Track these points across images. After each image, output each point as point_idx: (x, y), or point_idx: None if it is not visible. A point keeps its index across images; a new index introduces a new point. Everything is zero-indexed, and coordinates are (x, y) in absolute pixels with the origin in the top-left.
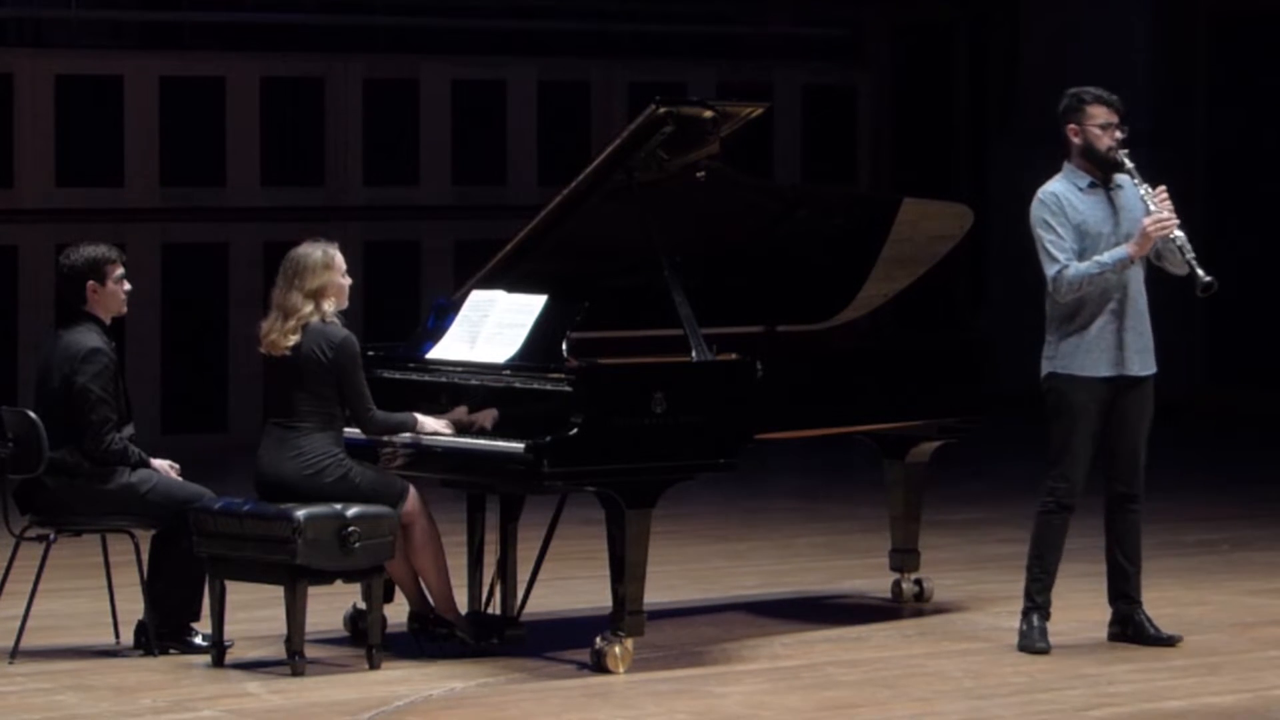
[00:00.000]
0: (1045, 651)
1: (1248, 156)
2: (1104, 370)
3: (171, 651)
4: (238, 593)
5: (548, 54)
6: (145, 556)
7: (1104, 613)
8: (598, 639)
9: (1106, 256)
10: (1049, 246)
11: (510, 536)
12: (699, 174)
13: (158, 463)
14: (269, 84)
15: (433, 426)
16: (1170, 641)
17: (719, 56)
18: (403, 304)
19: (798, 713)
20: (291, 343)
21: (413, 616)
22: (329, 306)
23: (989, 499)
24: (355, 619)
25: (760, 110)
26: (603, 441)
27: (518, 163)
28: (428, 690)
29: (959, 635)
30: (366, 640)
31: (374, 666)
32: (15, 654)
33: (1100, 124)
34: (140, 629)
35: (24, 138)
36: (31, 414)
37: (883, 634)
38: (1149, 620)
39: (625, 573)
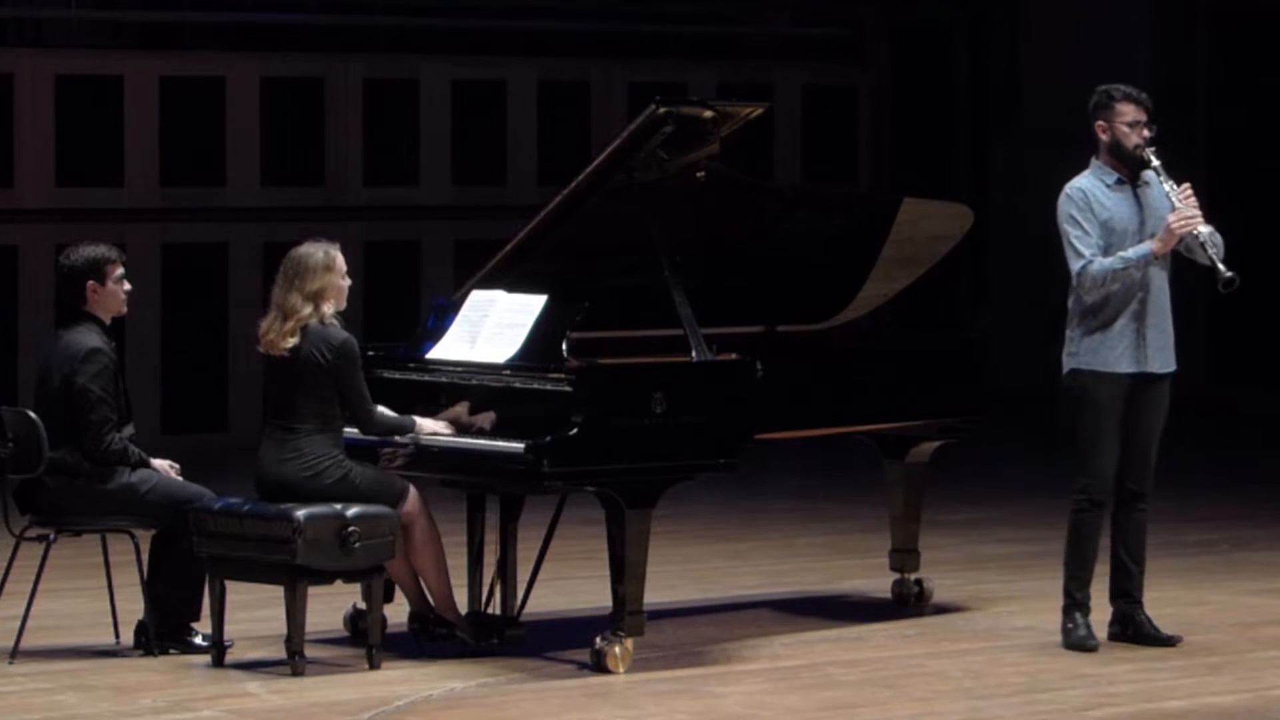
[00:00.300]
0: (1095, 648)
1: (1248, 157)
2: (1126, 366)
3: (171, 651)
4: (238, 593)
5: (548, 54)
6: (145, 556)
7: (1105, 612)
8: (598, 639)
9: (1131, 252)
10: (1075, 242)
11: (510, 536)
12: (699, 174)
13: (158, 463)
14: (269, 84)
15: (432, 428)
16: (1170, 641)
17: (719, 56)
18: (403, 304)
19: (798, 713)
20: (290, 344)
21: (413, 616)
22: (328, 309)
23: (989, 499)
24: (355, 619)
25: (760, 110)
26: (603, 441)
27: (518, 163)
28: (428, 690)
29: (959, 635)
30: (366, 640)
31: (374, 666)
32: (15, 654)
33: (1129, 121)
34: (140, 629)
35: (24, 138)
36: (31, 414)
37: (883, 634)
38: (1149, 620)
39: (625, 573)
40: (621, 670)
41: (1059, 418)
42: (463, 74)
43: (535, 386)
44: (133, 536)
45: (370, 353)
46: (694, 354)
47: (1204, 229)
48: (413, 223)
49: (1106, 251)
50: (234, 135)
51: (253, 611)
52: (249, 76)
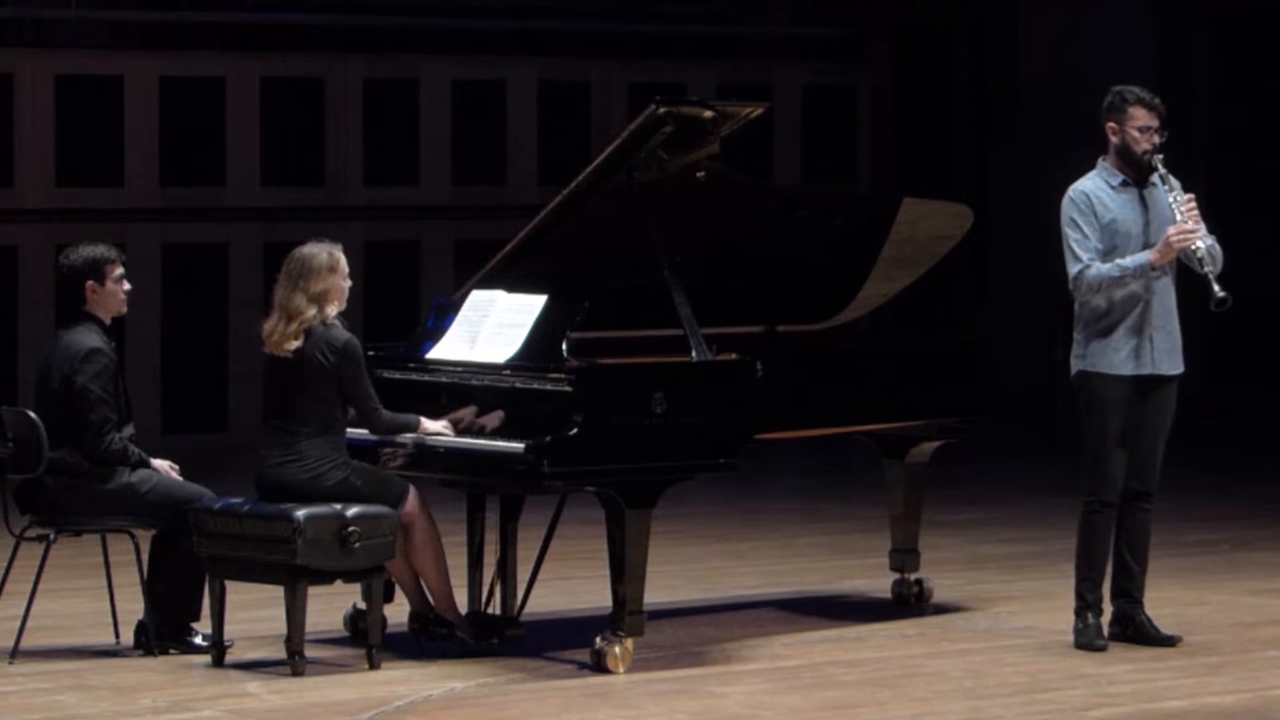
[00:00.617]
0: (1103, 649)
1: (1248, 157)
2: (1132, 369)
3: (171, 651)
4: (238, 593)
5: (548, 54)
6: (145, 556)
7: (1105, 612)
8: (598, 639)
9: (1129, 261)
10: (1074, 245)
11: (510, 536)
12: (699, 174)
13: (158, 463)
14: (269, 84)
15: (435, 428)
16: (1170, 641)
17: (719, 56)
18: (403, 304)
19: (798, 713)
20: (294, 346)
21: (413, 616)
22: (331, 310)
23: (989, 499)
24: (355, 619)
25: (760, 110)
26: (603, 441)
27: (518, 163)
28: (428, 690)
29: (959, 635)
30: (366, 640)
31: (374, 666)
32: (15, 654)
33: (1140, 126)
34: (140, 629)
35: (24, 138)
36: (31, 414)
37: (883, 634)
38: (1149, 620)
39: (625, 573)
40: (621, 670)
41: (1060, 418)
42: (463, 74)
43: (535, 386)
44: (133, 536)
45: (370, 353)
46: (694, 354)
47: (1203, 244)
48: (413, 223)
49: (1108, 254)
50: (234, 135)
51: (253, 611)
52: (249, 76)
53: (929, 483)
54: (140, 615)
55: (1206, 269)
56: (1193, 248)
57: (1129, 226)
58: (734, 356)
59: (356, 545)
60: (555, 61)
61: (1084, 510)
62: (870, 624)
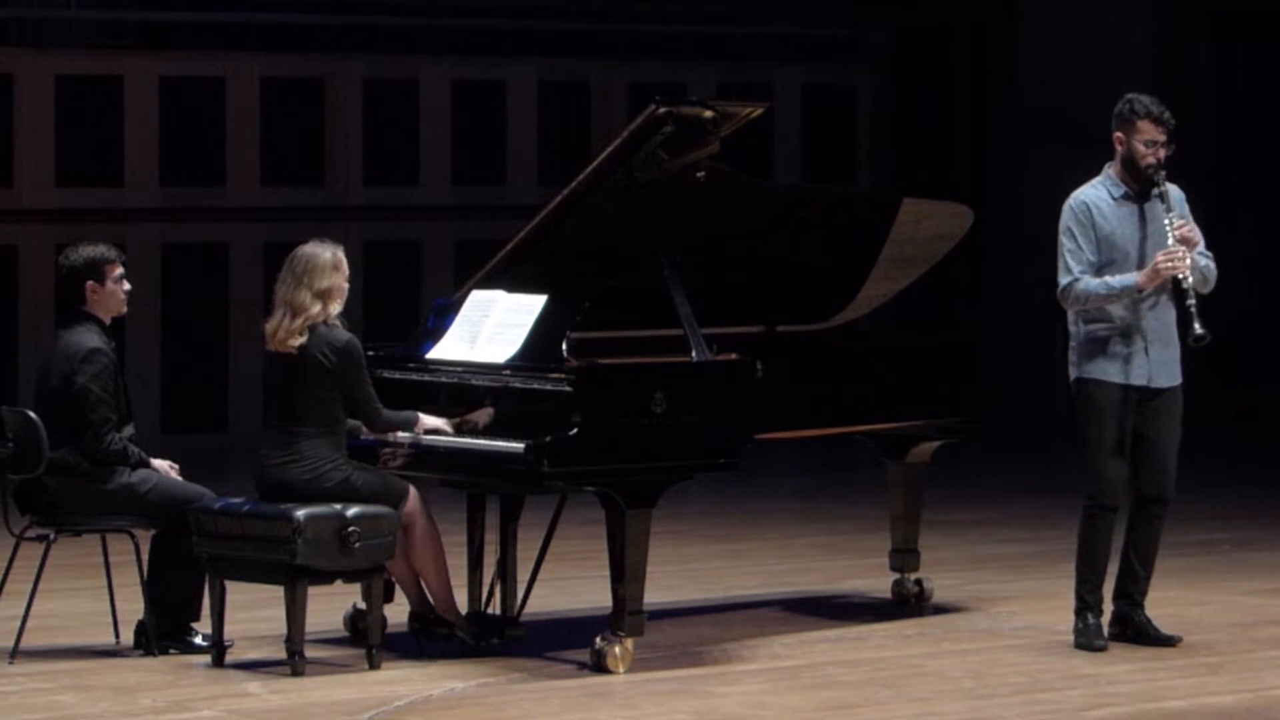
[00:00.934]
0: (1103, 649)
1: (1247, 157)
2: (1126, 378)
3: (171, 651)
4: (238, 593)
5: (548, 54)
6: (145, 556)
7: (1105, 613)
8: (598, 639)
9: (1117, 281)
10: (1067, 255)
11: (510, 536)
12: (699, 174)
13: (158, 463)
14: (269, 84)
15: (433, 424)
16: (1170, 641)
17: (719, 56)
18: (403, 304)
19: (798, 713)
20: (298, 342)
21: (413, 616)
22: (334, 309)
23: (989, 499)
24: (355, 619)
25: (760, 110)
26: (603, 441)
27: (518, 163)
28: (428, 690)
29: (959, 635)
30: (366, 640)
31: (374, 666)
32: (15, 654)
33: (1146, 140)
34: (140, 629)
35: (24, 138)
36: (31, 414)
37: (883, 634)
38: (1149, 620)
39: (625, 573)
40: (621, 670)
41: (1060, 418)
42: (463, 74)
43: (535, 386)
44: (133, 536)
45: (370, 353)
46: (694, 354)
47: (1190, 276)
48: (413, 223)
49: (1104, 267)
50: (234, 135)
51: (253, 611)
52: (249, 76)
53: (929, 483)
54: (140, 615)
55: (1189, 302)
56: (1180, 276)
57: (1126, 242)
58: (734, 356)
59: (356, 545)
60: (555, 61)
61: (1084, 514)
62: (870, 624)
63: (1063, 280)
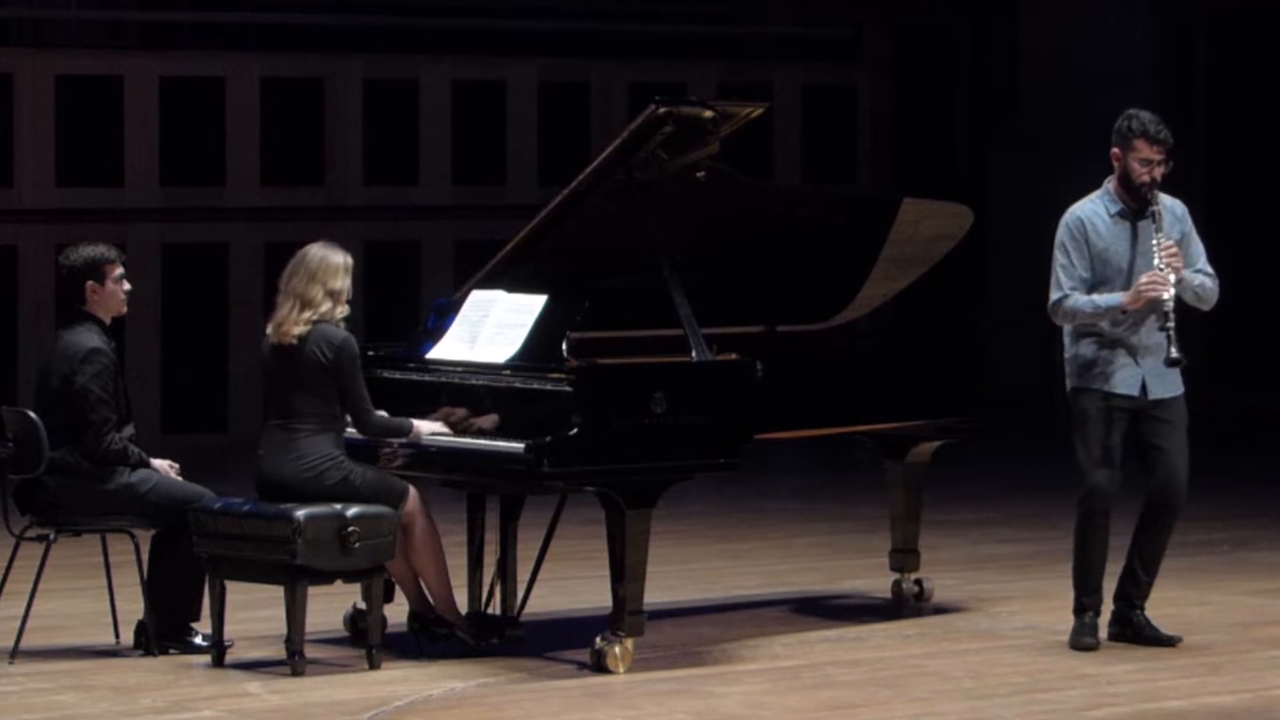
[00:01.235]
0: (1092, 648)
1: (1247, 157)
2: (1122, 389)
3: (171, 651)
4: (238, 593)
5: (548, 54)
6: (145, 556)
7: (1105, 613)
8: (598, 639)
9: (1103, 300)
10: (1059, 271)
11: (510, 536)
12: (699, 174)
13: (158, 463)
14: (269, 84)
15: (431, 429)
16: (1170, 641)
17: (719, 56)
18: (403, 304)
19: (798, 713)
20: (299, 332)
21: (413, 616)
22: (340, 311)
23: (989, 499)
24: (355, 619)
25: (760, 110)
26: (603, 441)
27: (518, 163)
28: (428, 690)
29: (959, 635)
30: (366, 640)
31: (374, 666)
32: (15, 654)
33: (1141, 159)
34: (140, 629)
35: (24, 138)
36: (31, 414)
37: (883, 634)
38: (1149, 621)
39: (625, 573)
40: (621, 670)
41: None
42: (463, 74)
43: (535, 386)
44: (133, 536)
45: (370, 353)
46: (694, 354)
47: (1169, 300)
48: (413, 223)
49: (1097, 284)
50: (234, 135)
51: (253, 611)
52: (249, 76)
53: (929, 483)
54: (140, 615)
55: (1168, 325)
56: (1163, 296)
57: (1119, 260)
58: (734, 356)
59: (356, 545)
60: (555, 61)
61: (1077, 519)
62: (870, 624)
63: (1053, 295)
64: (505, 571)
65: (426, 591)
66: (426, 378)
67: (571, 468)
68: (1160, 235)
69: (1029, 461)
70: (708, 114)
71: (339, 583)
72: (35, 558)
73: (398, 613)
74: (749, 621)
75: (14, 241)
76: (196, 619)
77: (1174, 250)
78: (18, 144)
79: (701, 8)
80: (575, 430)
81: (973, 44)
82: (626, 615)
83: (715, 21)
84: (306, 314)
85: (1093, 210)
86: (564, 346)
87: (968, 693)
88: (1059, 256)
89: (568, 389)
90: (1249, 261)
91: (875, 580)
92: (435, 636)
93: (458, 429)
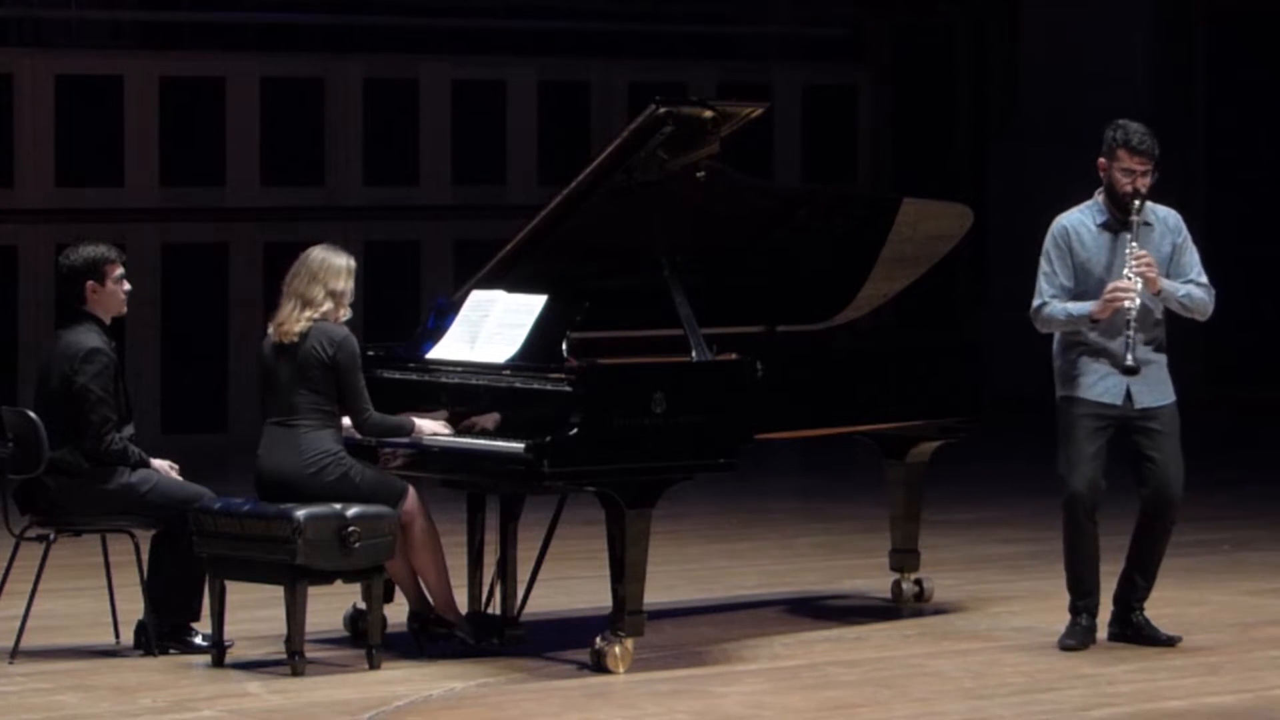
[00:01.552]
0: (1077, 648)
1: (1247, 157)
2: (1110, 398)
3: (171, 651)
4: (238, 593)
5: (548, 54)
6: (145, 556)
7: (1104, 613)
8: (598, 639)
9: (1075, 308)
10: (1041, 278)
11: (510, 536)
12: (699, 174)
13: (158, 463)
14: (269, 84)
15: (431, 429)
16: (1170, 642)
17: (719, 56)
18: (403, 304)
19: (798, 713)
20: (300, 328)
21: (413, 616)
22: (343, 314)
23: (989, 499)
24: (355, 619)
25: (760, 110)
26: (603, 441)
27: (518, 163)
28: (428, 690)
29: (959, 635)
30: (366, 640)
31: (374, 666)
32: (15, 654)
33: (1123, 169)
34: (140, 629)
35: (24, 138)
36: (31, 414)
37: (883, 634)
38: (1148, 621)
39: (625, 573)
40: (621, 670)
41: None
42: (463, 74)
43: (535, 386)
44: (133, 536)
45: (370, 353)
46: (694, 354)
47: (1133, 308)
48: (413, 223)
49: (1077, 294)
50: (234, 135)
51: (253, 611)
52: (249, 76)
53: (929, 483)
54: (140, 615)
55: (1128, 333)
56: (1126, 305)
57: (1100, 272)
58: (734, 356)
59: (356, 545)
60: (555, 61)
61: (1063, 528)
62: (870, 624)
63: (1034, 302)
64: (505, 571)
65: (426, 591)
66: (426, 378)
67: (571, 467)
68: (1134, 245)
69: (1029, 461)
70: (708, 114)
71: (339, 583)
72: (35, 558)
73: (398, 613)
74: (749, 621)
75: (14, 241)
76: (196, 619)
77: (1147, 260)
78: (18, 144)
79: (701, 8)
80: (575, 430)
81: (973, 44)
82: (626, 615)
83: (715, 21)
84: (308, 313)
85: (1079, 220)
86: (564, 346)
87: (968, 693)
88: (1043, 264)
89: (568, 389)
90: (1248, 262)
91: (875, 580)
92: (435, 636)
93: (458, 429)
